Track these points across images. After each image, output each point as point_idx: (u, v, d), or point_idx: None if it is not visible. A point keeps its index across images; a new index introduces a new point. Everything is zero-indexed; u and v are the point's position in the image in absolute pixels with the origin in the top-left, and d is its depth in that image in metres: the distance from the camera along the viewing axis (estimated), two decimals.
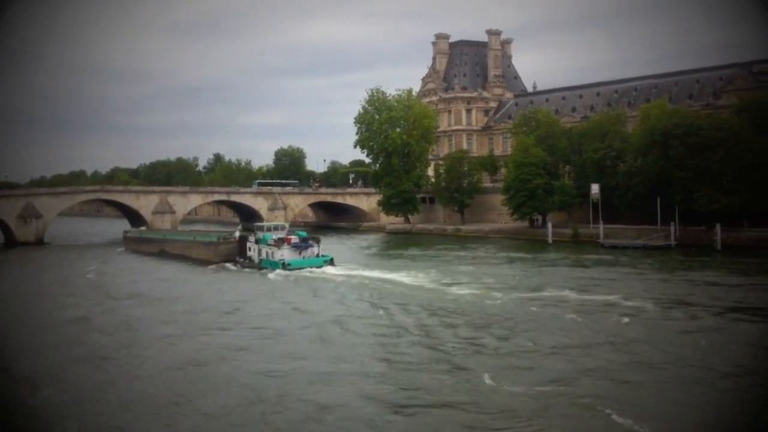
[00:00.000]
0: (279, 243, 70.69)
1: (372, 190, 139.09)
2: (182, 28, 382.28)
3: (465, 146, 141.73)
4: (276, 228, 76.15)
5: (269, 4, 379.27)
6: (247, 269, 72.28)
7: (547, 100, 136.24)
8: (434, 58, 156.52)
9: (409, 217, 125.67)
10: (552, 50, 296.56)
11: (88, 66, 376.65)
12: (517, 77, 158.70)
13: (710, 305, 44.95)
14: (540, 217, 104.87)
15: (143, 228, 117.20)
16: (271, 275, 66.17)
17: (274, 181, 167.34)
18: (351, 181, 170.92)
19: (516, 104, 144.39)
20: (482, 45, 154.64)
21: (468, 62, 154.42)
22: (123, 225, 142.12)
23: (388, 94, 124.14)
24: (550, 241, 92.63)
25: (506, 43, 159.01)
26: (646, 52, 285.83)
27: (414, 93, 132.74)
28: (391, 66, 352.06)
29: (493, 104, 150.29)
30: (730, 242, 77.91)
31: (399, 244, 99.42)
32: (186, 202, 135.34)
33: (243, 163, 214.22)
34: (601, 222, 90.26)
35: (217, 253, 78.63)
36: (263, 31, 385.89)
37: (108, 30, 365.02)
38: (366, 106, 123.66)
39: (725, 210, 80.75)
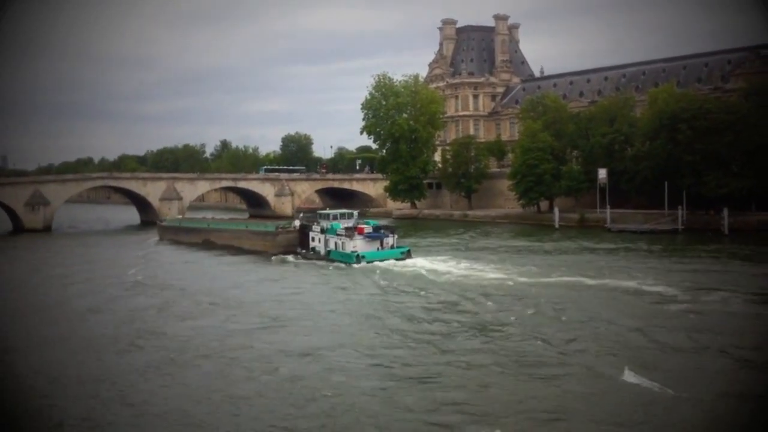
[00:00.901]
0: (351, 233, 64.16)
1: (379, 175, 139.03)
2: (187, 16, 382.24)
3: (472, 132, 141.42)
4: (344, 216, 69.00)
5: None
6: (312, 261, 65.99)
7: (554, 85, 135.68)
8: (441, 44, 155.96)
9: (416, 202, 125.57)
10: (559, 35, 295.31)
11: (94, 53, 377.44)
12: (524, 62, 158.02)
13: (735, 291, 44.40)
14: (547, 202, 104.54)
15: (180, 216, 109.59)
16: (353, 268, 60.04)
17: (280, 167, 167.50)
18: (358, 167, 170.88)
19: (523, 89, 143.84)
20: (489, 30, 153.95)
21: (475, 47, 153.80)
22: (130, 212, 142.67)
23: (394, 80, 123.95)
24: (556, 225, 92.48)
25: (513, 28, 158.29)
26: (654, 37, 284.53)
27: (421, 79, 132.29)
28: (397, 52, 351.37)
29: (500, 89, 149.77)
30: (737, 226, 77.66)
31: (438, 229, 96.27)
32: (193, 188, 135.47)
33: (250, 150, 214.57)
34: (608, 206, 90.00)
35: (275, 244, 72.61)
36: (268, 18, 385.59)
37: (114, 17, 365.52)
38: (373, 92, 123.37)
39: (733, 194, 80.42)
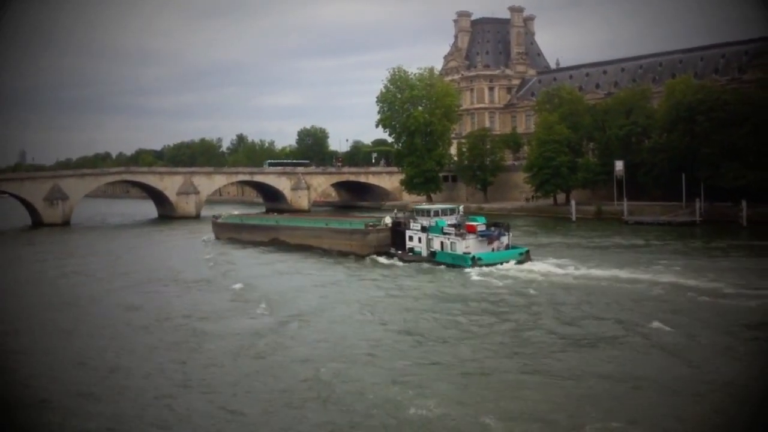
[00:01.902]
0: (462, 232, 56.59)
1: (395, 169, 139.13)
2: (201, 9, 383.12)
3: (487, 124, 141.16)
4: (445, 212, 61.51)
5: None
6: (411, 264, 58.53)
7: (570, 77, 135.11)
8: (456, 36, 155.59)
9: (432, 195, 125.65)
10: (575, 26, 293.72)
11: (110, 48, 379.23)
12: (540, 54, 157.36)
13: None
14: (564, 195, 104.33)
15: (235, 213, 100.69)
16: (467, 273, 52.39)
17: (286, 161, 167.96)
18: (373, 161, 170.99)
19: (539, 81, 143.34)
20: (504, 22, 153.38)
21: (490, 40, 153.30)
22: (148, 206, 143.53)
23: (410, 73, 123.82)
24: (573, 218, 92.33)
25: (529, 19, 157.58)
26: (671, 28, 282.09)
27: (436, 71, 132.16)
28: (412, 45, 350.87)
29: (515, 82, 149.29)
30: (756, 218, 77.16)
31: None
32: (210, 182, 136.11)
33: (266, 144, 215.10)
34: (625, 199, 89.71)
35: (365, 244, 64.91)
36: (281, 11, 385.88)
37: (129, 11, 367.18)
38: (388, 85, 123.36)
39: (751, 186, 79.88)
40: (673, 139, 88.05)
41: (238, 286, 50.68)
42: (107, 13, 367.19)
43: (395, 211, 74.89)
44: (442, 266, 56.06)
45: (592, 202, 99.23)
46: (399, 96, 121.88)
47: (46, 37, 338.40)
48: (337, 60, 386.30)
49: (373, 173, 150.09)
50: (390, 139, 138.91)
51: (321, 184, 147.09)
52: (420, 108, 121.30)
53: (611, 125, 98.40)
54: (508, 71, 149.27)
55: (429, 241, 59.44)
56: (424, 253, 59.60)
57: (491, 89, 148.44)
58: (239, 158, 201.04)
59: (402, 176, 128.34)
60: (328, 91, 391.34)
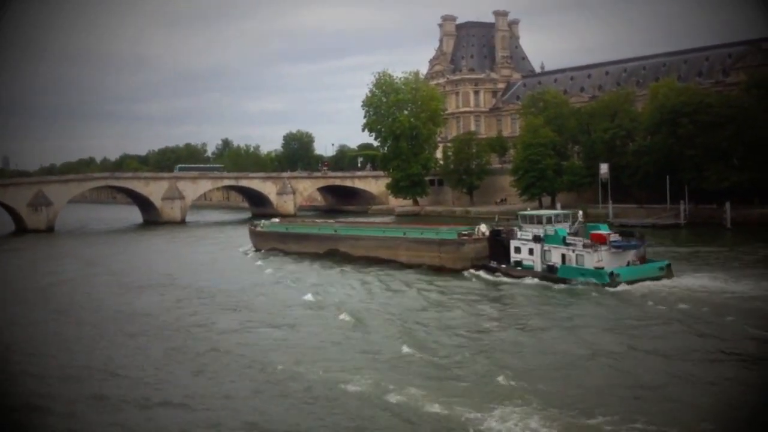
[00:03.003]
0: (589, 242, 47.62)
1: (381, 173, 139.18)
2: (184, 15, 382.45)
3: (473, 128, 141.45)
4: (559, 218, 52.65)
5: None
6: (523, 280, 49.79)
7: (555, 81, 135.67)
8: (441, 40, 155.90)
9: (418, 199, 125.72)
10: (559, 30, 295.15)
11: (93, 54, 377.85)
12: (524, 58, 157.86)
13: None
14: (549, 198, 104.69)
15: (275, 220, 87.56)
16: (607, 292, 43.75)
17: (200, 165, 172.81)
18: (360, 165, 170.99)
19: (524, 85, 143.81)
20: (489, 26, 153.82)
21: (475, 44, 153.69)
22: (133, 211, 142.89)
23: (395, 77, 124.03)
24: None
25: (513, 23, 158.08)
26: (655, 31, 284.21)
27: (421, 75, 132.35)
28: (397, 49, 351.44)
29: (501, 85, 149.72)
30: (740, 220, 77.71)
31: None
32: (195, 187, 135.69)
33: (251, 149, 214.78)
34: (610, 201, 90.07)
35: (460, 256, 56.29)
36: (265, 16, 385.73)
37: (111, 18, 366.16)
38: (373, 89, 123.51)
39: (735, 188, 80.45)
40: (657, 141, 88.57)
41: (344, 317, 39.85)
42: (89, 20, 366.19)
43: (497, 219, 65.59)
44: (567, 283, 46.61)
45: (577, 204, 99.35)
46: (385, 100, 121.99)
47: (28, 44, 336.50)
48: (323, 64, 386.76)
49: (360, 177, 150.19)
50: (376, 143, 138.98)
51: (307, 188, 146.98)
52: (406, 112, 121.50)
53: (596, 128, 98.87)
54: (493, 75, 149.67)
55: (544, 254, 50.22)
56: (538, 268, 50.33)
57: (476, 93, 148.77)
58: (224, 163, 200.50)
59: (388, 180, 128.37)
60: (313, 95, 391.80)
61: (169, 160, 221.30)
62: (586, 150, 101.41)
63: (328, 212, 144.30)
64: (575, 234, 49.88)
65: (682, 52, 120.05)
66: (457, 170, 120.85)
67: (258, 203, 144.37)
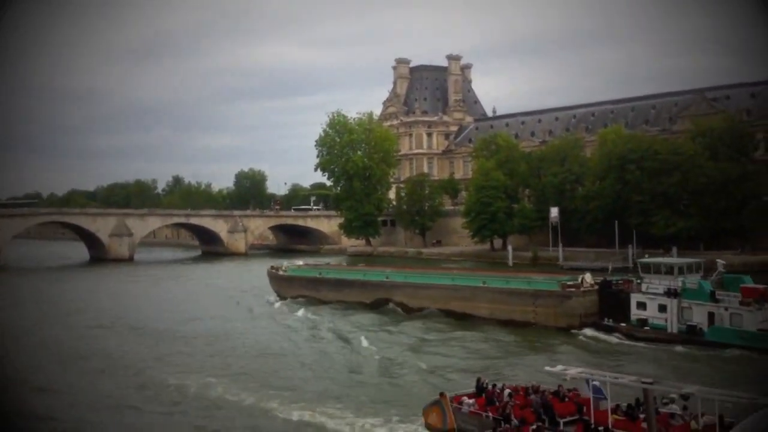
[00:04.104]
0: (746, 298, 39.94)
1: (333, 212, 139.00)
2: (134, 50, 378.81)
3: (426, 169, 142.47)
4: (691, 268, 44.83)
5: (221, 27, 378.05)
6: (656, 344, 41.83)
7: (506, 125, 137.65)
8: (395, 82, 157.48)
9: (371, 239, 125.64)
10: (511, 75, 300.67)
11: (40, 86, 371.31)
12: (477, 102, 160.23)
13: None
14: (501, 240, 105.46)
15: (300, 262, 78.77)
16: None
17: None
18: (312, 204, 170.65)
19: (476, 128, 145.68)
20: (442, 70, 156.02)
21: (428, 86, 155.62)
22: (80, 248, 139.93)
23: (349, 118, 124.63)
24: (510, 263, 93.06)
25: (466, 68, 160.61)
26: (605, 77, 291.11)
27: (375, 116, 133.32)
28: (351, 89, 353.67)
29: (453, 128, 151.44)
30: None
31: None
32: (144, 225, 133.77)
33: (203, 186, 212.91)
34: (560, 245, 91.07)
35: (565, 312, 47.66)
36: (216, 53, 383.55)
37: (59, 50, 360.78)
38: (327, 129, 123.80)
39: (681, 233, 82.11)
40: (605, 186, 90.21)
41: None
42: (36, 51, 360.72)
43: (613, 268, 55.37)
44: (719, 350, 39.05)
45: (528, 247, 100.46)
46: (338, 140, 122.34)
47: None
48: (275, 102, 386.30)
49: (312, 216, 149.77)
50: (329, 183, 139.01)
51: (259, 226, 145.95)
52: (359, 152, 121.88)
53: (546, 172, 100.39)
54: (446, 118, 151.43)
55: (682, 311, 42.44)
56: (673, 329, 42.51)
57: (429, 135, 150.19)
58: (175, 200, 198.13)
59: (341, 220, 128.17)
60: (266, 133, 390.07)
61: (118, 197, 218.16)
62: (537, 194, 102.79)
63: (279, 251, 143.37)
64: (718, 287, 42.44)
65: (630, 100, 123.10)
66: (409, 211, 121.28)
67: (208, 241, 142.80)
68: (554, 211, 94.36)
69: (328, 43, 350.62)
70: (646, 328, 43.43)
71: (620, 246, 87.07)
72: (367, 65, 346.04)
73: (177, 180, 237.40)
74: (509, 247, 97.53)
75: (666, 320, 42.75)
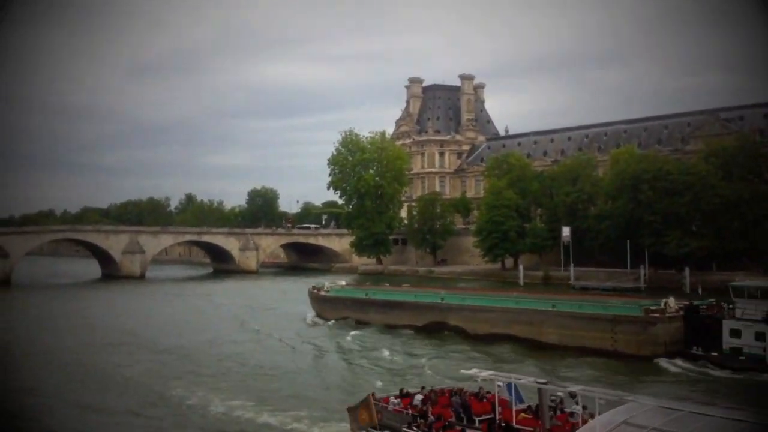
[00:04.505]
0: None
1: (345, 231, 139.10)
2: (146, 67, 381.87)
3: (438, 188, 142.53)
4: None
5: (233, 45, 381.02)
6: (744, 374, 38.94)
7: (519, 144, 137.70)
8: (408, 102, 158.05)
9: (382, 258, 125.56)
10: (524, 95, 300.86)
11: (53, 104, 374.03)
12: (489, 121, 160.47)
13: None
14: (512, 259, 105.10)
15: (342, 282, 74.61)
16: None
17: None
18: (323, 222, 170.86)
19: (488, 147, 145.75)
20: (455, 89, 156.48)
21: (441, 106, 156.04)
22: (93, 265, 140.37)
23: (361, 136, 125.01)
24: (521, 283, 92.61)
25: (479, 87, 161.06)
26: (617, 97, 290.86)
27: (387, 135, 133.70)
28: (363, 107, 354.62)
29: (465, 147, 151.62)
30: (698, 286, 78.37)
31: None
32: (157, 242, 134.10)
33: (215, 204, 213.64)
34: (571, 264, 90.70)
35: (648, 339, 43.87)
36: (227, 70, 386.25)
37: (72, 67, 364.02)
38: (339, 147, 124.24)
39: (694, 254, 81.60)
40: (617, 206, 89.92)
41: None
42: (51, 68, 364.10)
43: (698, 296, 53.10)
44: None
45: (539, 266, 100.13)
46: (350, 159, 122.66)
47: None
48: (287, 121, 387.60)
49: (323, 235, 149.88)
50: (341, 201, 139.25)
51: (270, 244, 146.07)
52: (371, 171, 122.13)
53: (558, 192, 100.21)
54: (458, 137, 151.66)
55: None
56: None
57: (442, 154, 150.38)
58: (187, 218, 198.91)
59: (352, 238, 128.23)
60: (278, 151, 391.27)
61: (131, 214, 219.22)
62: (549, 213, 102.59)
63: (290, 269, 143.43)
64: None
65: (643, 120, 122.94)
66: (421, 230, 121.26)
67: (220, 259, 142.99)
68: (566, 231, 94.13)
69: (340, 62, 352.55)
70: (741, 357, 39.95)
71: (632, 266, 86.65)
72: (380, 84, 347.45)
73: (189, 198, 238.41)
74: (520, 267, 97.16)
75: (765, 350, 39.21)
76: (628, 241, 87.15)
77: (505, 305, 54.01)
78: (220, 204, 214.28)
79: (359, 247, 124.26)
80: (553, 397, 23.53)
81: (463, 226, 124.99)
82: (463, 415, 24.96)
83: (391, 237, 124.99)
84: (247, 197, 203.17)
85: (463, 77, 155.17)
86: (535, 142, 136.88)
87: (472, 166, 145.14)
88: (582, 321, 47.37)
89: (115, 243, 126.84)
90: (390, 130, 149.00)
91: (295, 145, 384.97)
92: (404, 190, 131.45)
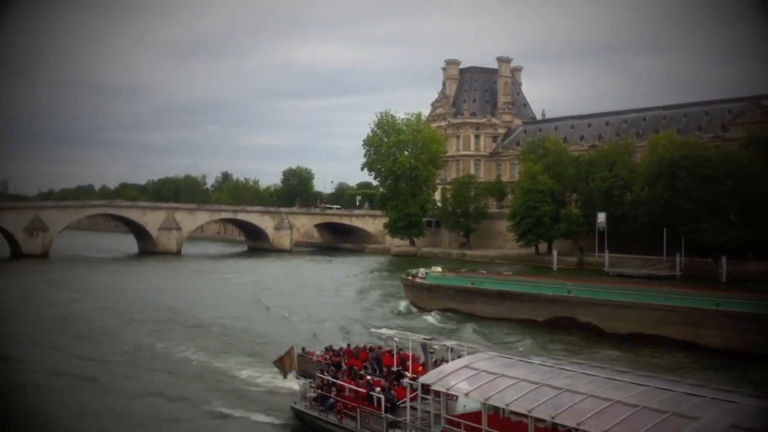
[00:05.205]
0: None
1: (378, 212, 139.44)
2: (183, 46, 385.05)
3: (472, 171, 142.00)
4: None
5: (269, 26, 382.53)
6: None
7: (555, 128, 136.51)
8: (444, 84, 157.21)
9: (415, 240, 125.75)
10: (562, 79, 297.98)
11: (90, 82, 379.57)
12: (526, 104, 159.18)
13: None
14: (546, 244, 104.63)
15: (437, 269, 66.14)
16: None
17: None
18: (358, 203, 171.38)
19: (525, 131, 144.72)
20: (492, 72, 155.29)
21: (478, 88, 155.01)
22: (130, 240, 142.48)
23: (397, 118, 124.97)
24: (554, 268, 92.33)
25: (516, 70, 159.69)
26: (656, 84, 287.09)
27: (423, 117, 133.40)
28: (399, 88, 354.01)
29: (501, 131, 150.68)
30: (735, 275, 77.49)
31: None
32: (193, 219, 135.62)
33: (251, 182, 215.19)
34: (606, 250, 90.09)
35: None
36: (264, 51, 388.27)
37: (111, 46, 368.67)
38: (375, 129, 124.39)
39: (731, 243, 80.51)
40: (655, 193, 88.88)
41: None
42: (90, 47, 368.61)
43: None
44: None
45: (573, 252, 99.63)
46: (386, 140, 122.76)
47: (29, 69, 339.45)
48: (323, 101, 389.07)
49: (357, 215, 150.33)
50: (375, 183, 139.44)
51: (304, 224, 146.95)
52: (406, 153, 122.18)
53: (594, 177, 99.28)
54: (494, 120, 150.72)
55: None
56: None
57: (477, 137, 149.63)
58: (223, 196, 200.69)
59: (385, 220, 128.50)
60: (313, 132, 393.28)
61: (168, 191, 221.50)
62: (584, 198, 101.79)
63: (324, 249, 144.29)
64: None
65: (682, 106, 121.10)
66: (454, 213, 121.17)
67: (254, 237, 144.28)
68: (601, 217, 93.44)
69: (376, 44, 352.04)
70: None
71: (668, 254, 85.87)
72: (416, 67, 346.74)
73: (225, 176, 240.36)
74: (554, 252, 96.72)
75: None
76: (665, 228, 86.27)
77: (653, 302, 46.89)
78: (255, 183, 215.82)
79: (393, 229, 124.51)
80: (432, 350, 27.59)
81: (497, 210, 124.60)
82: (375, 368, 28.76)
83: (424, 219, 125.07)
84: (282, 177, 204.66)
85: (501, 60, 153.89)
86: (572, 127, 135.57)
87: (508, 149, 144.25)
88: (760, 323, 40.03)
89: (152, 219, 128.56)
90: (426, 112, 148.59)
91: (330, 126, 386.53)
92: (438, 172, 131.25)
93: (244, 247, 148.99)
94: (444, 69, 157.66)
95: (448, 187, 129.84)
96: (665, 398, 18.47)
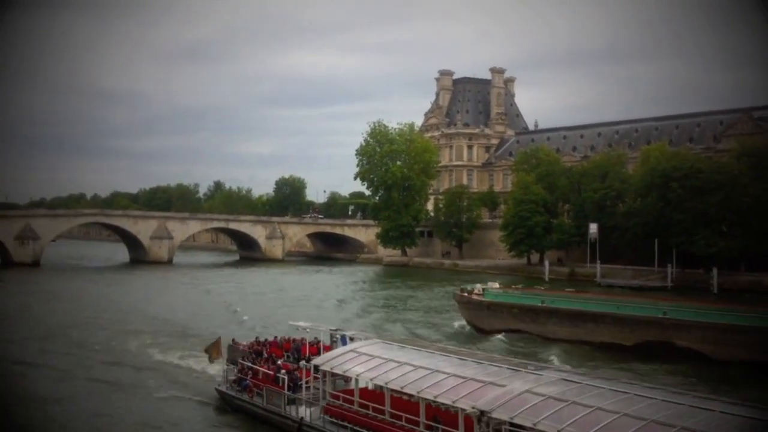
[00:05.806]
0: None
1: (371, 222, 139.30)
2: (176, 53, 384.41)
3: (465, 182, 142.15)
4: None
5: (262, 33, 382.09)
6: None
7: (548, 139, 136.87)
8: (437, 94, 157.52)
9: (407, 250, 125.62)
10: (554, 89, 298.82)
11: (82, 88, 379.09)
12: (519, 115, 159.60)
13: None
14: (538, 255, 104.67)
15: (494, 284, 58.89)
16: None
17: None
18: (350, 213, 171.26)
19: (517, 142, 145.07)
20: (485, 82, 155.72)
21: (471, 99, 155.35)
22: (120, 249, 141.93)
23: (390, 128, 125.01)
24: (546, 279, 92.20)
25: (509, 81, 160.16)
26: (651, 93, 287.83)
27: (416, 127, 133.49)
28: (392, 98, 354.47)
29: (494, 141, 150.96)
30: (726, 286, 77.58)
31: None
32: (184, 228, 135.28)
33: (243, 191, 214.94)
34: (598, 261, 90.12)
35: None
36: (256, 59, 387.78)
37: (103, 52, 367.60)
38: (368, 138, 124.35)
39: (723, 254, 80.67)
40: (646, 204, 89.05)
41: None
42: (83, 53, 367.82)
43: None
44: None
45: (565, 262, 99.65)
46: (378, 150, 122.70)
47: (20, 75, 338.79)
48: (317, 110, 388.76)
49: (350, 225, 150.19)
50: (368, 192, 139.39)
51: (296, 233, 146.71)
52: (399, 163, 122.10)
53: (586, 188, 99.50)
54: (487, 130, 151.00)
55: None
56: None
57: (470, 147, 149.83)
58: (215, 204, 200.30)
59: (378, 229, 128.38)
60: (305, 140, 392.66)
61: (160, 199, 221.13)
62: (576, 209, 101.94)
63: (316, 258, 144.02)
64: None
65: (674, 117, 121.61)
66: (447, 223, 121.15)
67: (246, 246, 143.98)
68: (593, 227, 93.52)
69: (371, 52, 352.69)
70: None
71: (660, 265, 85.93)
72: (409, 76, 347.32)
73: (218, 185, 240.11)
74: (546, 262, 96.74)
75: None
76: (656, 239, 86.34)
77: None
78: (248, 192, 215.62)
79: (385, 239, 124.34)
80: (334, 339, 30.99)
81: (490, 220, 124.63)
82: (295, 356, 32.18)
83: (417, 229, 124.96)
84: (274, 186, 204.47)
85: (494, 70, 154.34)
86: (565, 137, 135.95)
87: (501, 160, 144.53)
88: None
89: (143, 228, 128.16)
90: (419, 122, 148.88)
91: (323, 135, 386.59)
92: (431, 182, 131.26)
93: (236, 257, 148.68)
94: (437, 79, 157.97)
95: (440, 197, 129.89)
96: (671, 412, 18.61)
